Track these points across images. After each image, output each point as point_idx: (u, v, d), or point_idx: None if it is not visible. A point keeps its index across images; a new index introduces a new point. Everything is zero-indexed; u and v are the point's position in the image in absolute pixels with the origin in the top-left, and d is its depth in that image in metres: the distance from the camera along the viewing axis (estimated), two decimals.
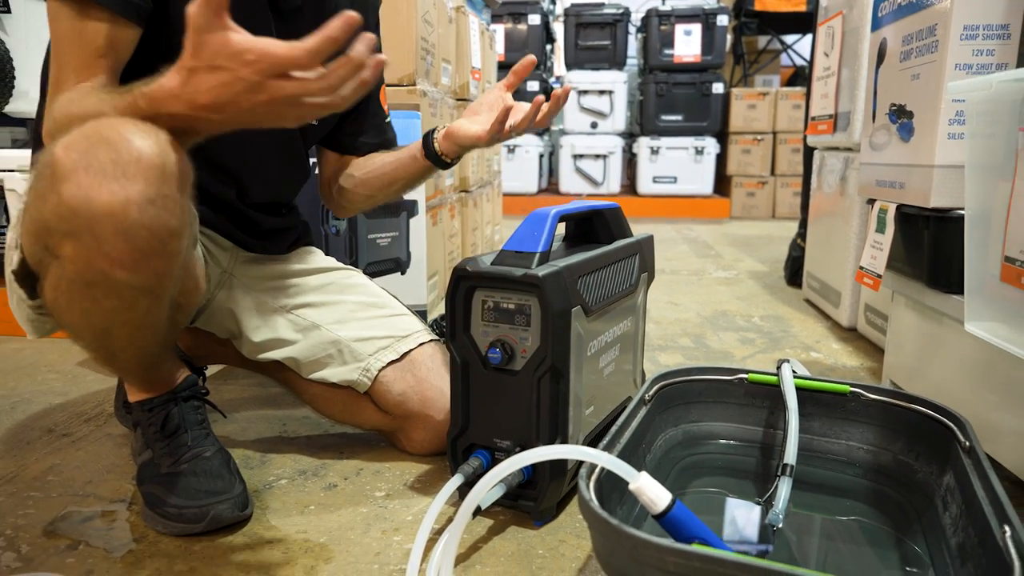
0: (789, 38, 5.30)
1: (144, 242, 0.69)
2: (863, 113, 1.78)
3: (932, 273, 1.10)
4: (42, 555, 0.85)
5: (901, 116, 1.16)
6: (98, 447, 1.16)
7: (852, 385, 0.91)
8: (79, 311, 0.76)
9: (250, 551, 0.85)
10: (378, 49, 1.21)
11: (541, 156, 5.06)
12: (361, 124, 1.20)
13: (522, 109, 1.03)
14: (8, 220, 1.74)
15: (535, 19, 4.79)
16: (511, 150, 4.90)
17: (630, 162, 5.25)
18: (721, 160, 4.90)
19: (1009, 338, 0.79)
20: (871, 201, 1.30)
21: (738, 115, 4.75)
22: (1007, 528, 0.57)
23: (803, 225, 2.44)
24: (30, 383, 1.47)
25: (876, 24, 1.28)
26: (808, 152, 2.36)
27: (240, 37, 0.64)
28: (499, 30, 4.78)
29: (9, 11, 1.65)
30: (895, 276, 1.26)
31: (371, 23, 1.19)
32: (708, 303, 2.26)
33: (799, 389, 0.92)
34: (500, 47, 4.80)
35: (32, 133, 1.01)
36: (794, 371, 0.98)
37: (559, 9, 5.58)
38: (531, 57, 1.05)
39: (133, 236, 0.68)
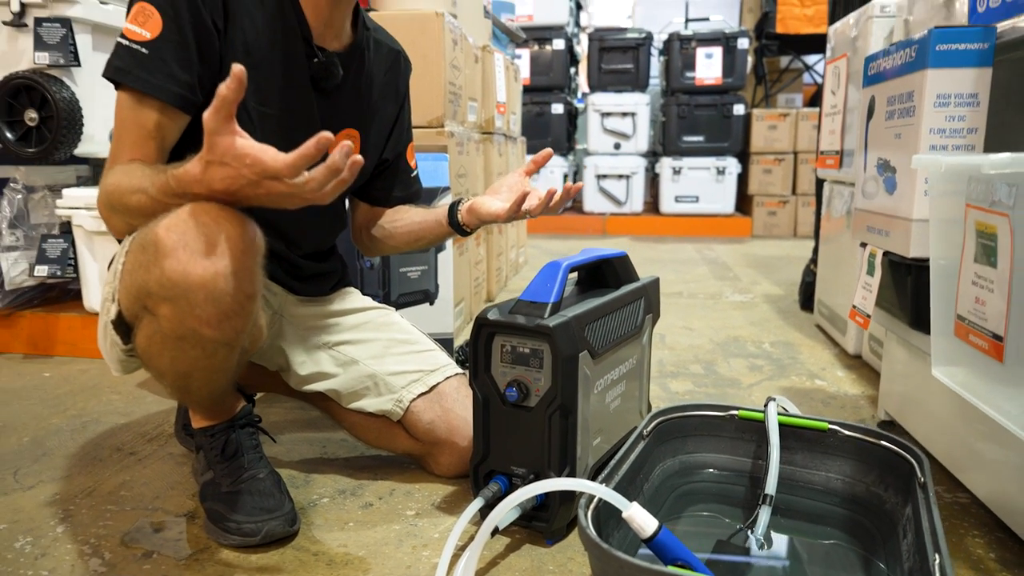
0: (811, 58, 5.37)
1: (228, 306, 0.85)
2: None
3: (914, 315, 1.21)
4: (122, 562, 0.99)
5: (886, 170, 1.27)
6: (161, 465, 1.31)
7: (830, 422, 1.02)
8: (168, 358, 0.92)
9: (299, 563, 0.99)
10: (407, 117, 1.35)
11: (565, 176, 5.19)
12: (391, 180, 1.34)
13: (537, 195, 1.15)
14: (75, 254, 1.91)
15: (559, 44, 4.93)
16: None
17: (653, 181, 5.35)
18: (743, 179, 4.98)
19: (966, 384, 0.89)
20: (863, 244, 1.41)
21: (759, 135, 4.83)
22: (937, 556, 0.67)
23: (816, 251, 2.53)
24: (96, 403, 1.63)
25: (866, 82, 1.39)
26: (820, 181, 2.45)
27: (243, 142, 0.78)
28: (524, 55, 4.92)
29: (79, 64, 1.82)
30: (885, 315, 1.36)
31: (402, 90, 1.32)
32: (722, 328, 2.36)
33: (783, 425, 1.03)
34: (526, 71, 4.95)
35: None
36: (784, 408, 1.09)
37: (583, 33, 5.72)
38: (548, 151, 1.19)
39: (219, 301, 0.84)
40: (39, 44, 1.79)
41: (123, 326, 0.97)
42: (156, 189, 0.88)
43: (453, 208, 1.24)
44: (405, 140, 1.36)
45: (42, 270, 1.89)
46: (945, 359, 0.96)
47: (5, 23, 1.81)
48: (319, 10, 1.10)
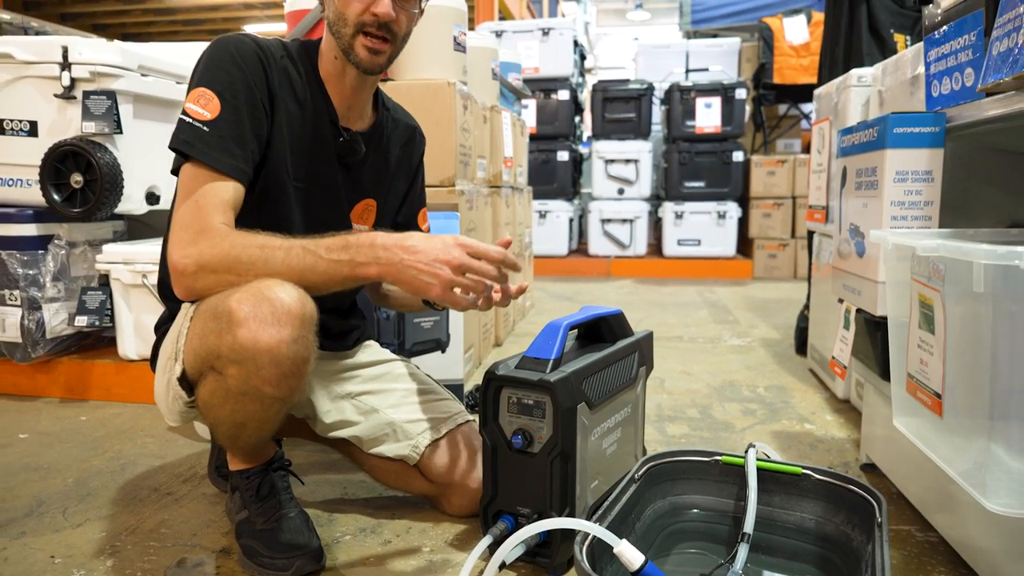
0: (808, 106, 5.55)
1: (288, 368, 1.00)
2: None
3: (883, 367, 1.32)
4: None
5: (857, 235, 1.40)
6: (196, 504, 1.42)
7: (804, 467, 1.13)
8: (228, 410, 1.07)
9: None
10: (420, 185, 1.48)
11: (571, 220, 5.35)
12: None
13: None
14: (112, 305, 2.05)
15: (564, 95, 5.13)
16: (543, 215, 5.20)
17: (656, 225, 5.50)
18: (743, 223, 5.13)
19: (920, 434, 1.01)
20: (840, 300, 1.53)
21: (758, 181, 4.99)
22: None
23: (809, 296, 2.65)
24: (132, 446, 1.76)
25: (839, 152, 1.53)
26: (810, 231, 2.58)
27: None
28: (531, 104, 5.13)
29: (121, 132, 1.99)
30: (861, 365, 1.48)
31: (415, 162, 1.46)
32: (719, 372, 2.47)
33: (762, 470, 1.14)
34: (532, 120, 5.14)
35: (162, 270, 1.28)
36: (765, 454, 1.21)
37: (587, 84, 5.94)
38: (507, 238, 1.19)
39: (281, 364, 0.99)
40: (86, 114, 1.96)
41: (185, 382, 1.11)
42: (322, 248, 1.04)
43: None
44: (418, 205, 1.50)
45: (82, 320, 2.04)
46: (904, 410, 1.07)
47: (56, 96, 1.98)
48: (344, 97, 1.26)
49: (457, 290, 1.05)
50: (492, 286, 1.10)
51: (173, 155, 1.13)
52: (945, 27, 1.24)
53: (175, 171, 1.14)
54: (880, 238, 1.04)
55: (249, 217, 1.13)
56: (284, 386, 1.02)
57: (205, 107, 1.10)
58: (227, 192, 1.10)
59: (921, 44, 1.37)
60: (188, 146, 1.09)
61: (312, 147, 1.23)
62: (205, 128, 1.09)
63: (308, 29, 2.14)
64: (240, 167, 1.11)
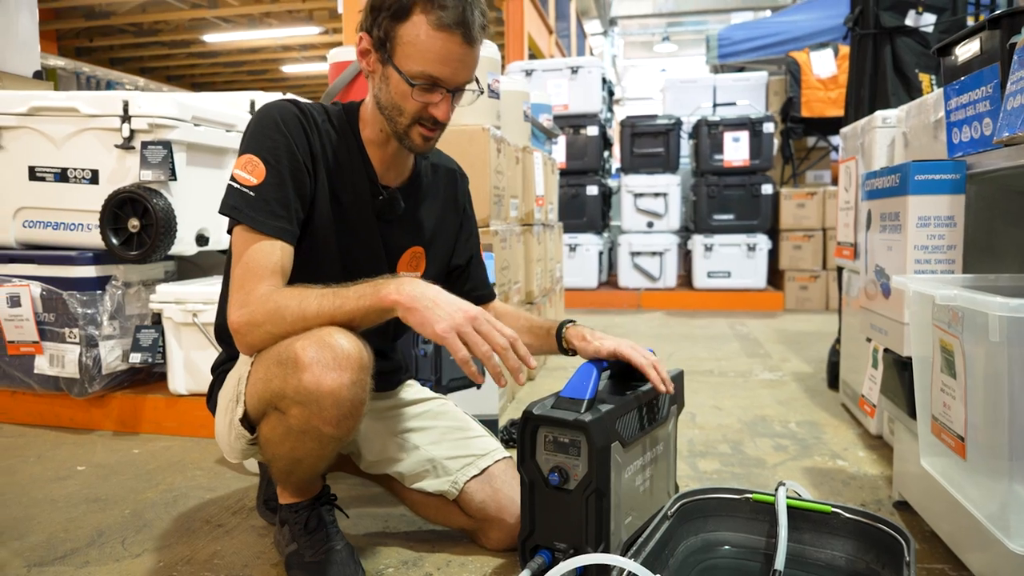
0: (837, 138, 5.57)
1: (347, 410, 1.08)
2: None
3: (911, 407, 1.35)
4: None
5: (883, 276, 1.44)
6: (246, 536, 1.49)
7: (833, 506, 1.16)
8: (288, 447, 1.14)
9: None
10: (472, 225, 1.55)
11: (600, 253, 5.41)
12: (467, 280, 1.52)
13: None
14: (164, 343, 2.16)
15: (593, 130, 5.23)
16: (572, 249, 5.27)
17: (686, 256, 5.53)
18: (773, 255, 5.13)
19: (945, 473, 1.04)
20: (869, 339, 1.56)
21: (788, 213, 5.01)
22: None
23: (841, 331, 2.66)
24: (183, 479, 1.84)
25: (864, 196, 1.57)
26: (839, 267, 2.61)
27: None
28: (560, 140, 5.23)
29: (176, 179, 2.11)
30: (890, 403, 1.50)
31: (462, 202, 1.52)
32: (750, 407, 2.49)
33: (792, 508, 1.17)
34: (561, 155, 5.24)
35: (218, 316, 1.37)
36: (796, 492, 1.24)
37: (616, 116, 6.03)
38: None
39: (341, 406, 1.07)
40: (144, 163, 2.08)
41: (247, 422, 1.19)
42: (351, 289, 1.12)
43: (561, 329, 1.36)
44: (475, 244, 1.55)
45: (136, 357, 2.14)
46: (931, 451, 1.10)
47: (117, 146, 2.12)
48: (384, 160, 1.32)
49: (456, 338, 1.07)
50: (494, 355, 1.09)
51: (221, 200, 1.21)
52: (964, 77, 1.29)
53: (229, 231, 1.22)
54: (901, 284, 1.09)
55: (295, 272, 1.21)
56: (343, 426, 1.10)
57: (251, 173, 1.18)
58: (274, 254, 1.18)
59: (942, 90, 1.42)
60: (236, 211, 1.18)
61: (353, 205, 1.30)
62: (251, 193, 1.17)
63: (347, 83, 2.26)
64: (284, 227, 1.19)
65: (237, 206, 1.18)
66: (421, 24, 1.14)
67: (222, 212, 1.20)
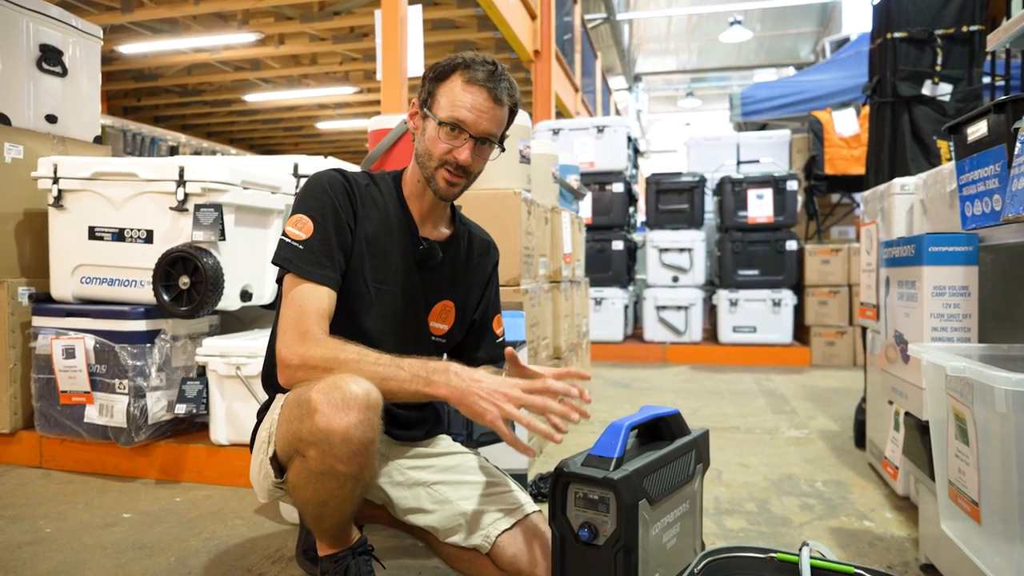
0: (860, 195, 5.63)
1: (356, 447, 1.16)
2: None
3: (931, 469, 1.39)
4: None
5: (901, 341, 1.49)
6: None
7: (856, 567, 1.19)
8: (311, 489, 1.22)
9: None
10: (494, 292, 1.66)
11: (626, 307, 5.47)
12: (477, 341, 1.63)
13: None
14: (208, 395, 2.26)
15: (619, 187, 5.36)
16: (598, 303, 5.33)
17: (711, 310, 5.56)
18: (799, 311, 5.15)
19: (964, 537, 1.07)
20: (890, 402, 1.60)
21: (813, 269, 5.04)
22: None
23: (866, 390, 2.68)
24: (224, 528, 1.91)
25: (882, 263, 1.63)
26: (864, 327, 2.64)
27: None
28: (587, 196, 5.36)
29: (225, 239, 2.25)
30: (912, 465, 1.53)
31: (489, 271, 1.63)
32: (776, 465, 2.51)
33: (816, 568, 1.21)
34: (588, 211, 5.37)
35: (266, 365, 1.49)
36: (820, 553, 1.27)
37: (641, 170, 6.16)
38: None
39: (351, 444, 1.15)
40: (196, 224, 2.22)
41: (276, 463, 1.27)
42: (405, 363, 1.23)
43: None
44: (492, 310, 1.66)
45: (181, 408, 2.24)
46: (950, 515, 1.14)
47: (171, 208, 2.26)
48: (422, 211, 1.47)
49: (503, 423, 1.22)
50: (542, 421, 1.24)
51: (270, 261, 1.38)
52: (974, 155, 1.36)
53: (279, 280, 1.38)
54: (916, 353, 1.14)
55: (340, 309, 1.35)
56: (355, 463, 1.18)
57: (300, 229, 1.35)
58: (322, 299, 1.32)
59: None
60: (287, 262, 1.34)
61: (395, 254, 1.44)
62: (300, 247, 1.34)
63: (389, 146, 2.40)
64: (328, 275, 1.34)
65: (288, 257, 1.34)
66: (457, 81, 1.34)
67: (274, 262, 1.37)
